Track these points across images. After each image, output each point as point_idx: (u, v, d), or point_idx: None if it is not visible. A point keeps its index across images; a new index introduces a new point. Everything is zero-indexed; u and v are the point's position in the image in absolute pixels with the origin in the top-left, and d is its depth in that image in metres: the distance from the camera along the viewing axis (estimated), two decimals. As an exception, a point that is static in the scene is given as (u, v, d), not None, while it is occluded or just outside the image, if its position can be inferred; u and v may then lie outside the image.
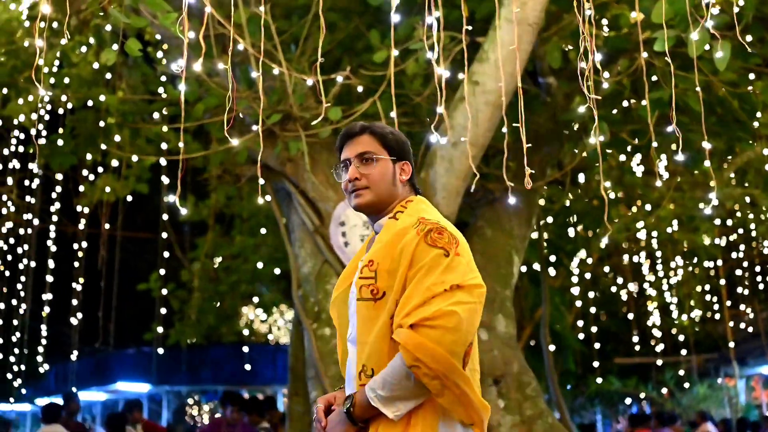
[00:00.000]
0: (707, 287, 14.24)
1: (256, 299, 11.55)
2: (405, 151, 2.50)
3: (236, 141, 4.97)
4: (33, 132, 6.72)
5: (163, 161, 7.98)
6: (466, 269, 2.24)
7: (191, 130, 8.07)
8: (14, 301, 11.00)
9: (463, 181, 5.62)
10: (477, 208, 6.56)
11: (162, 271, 11.18)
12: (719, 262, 12.27)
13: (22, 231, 9.65)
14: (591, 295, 12.38)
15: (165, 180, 9.17)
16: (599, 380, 17.42)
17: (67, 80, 7.14)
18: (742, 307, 15.34)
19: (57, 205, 9.26)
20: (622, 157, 8.50)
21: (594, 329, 13.12)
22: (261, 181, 3.65)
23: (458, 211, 5.79)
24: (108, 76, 7.16)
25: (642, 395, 18.64)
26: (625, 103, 6.63)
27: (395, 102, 4.08)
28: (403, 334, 2.13)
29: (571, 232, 9.94)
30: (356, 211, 2.49)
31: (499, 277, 5.94)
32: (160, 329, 11.93)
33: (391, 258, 2.25)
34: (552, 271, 10.90)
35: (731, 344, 14.43)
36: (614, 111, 6.63)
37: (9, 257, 9.88)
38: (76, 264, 10.48)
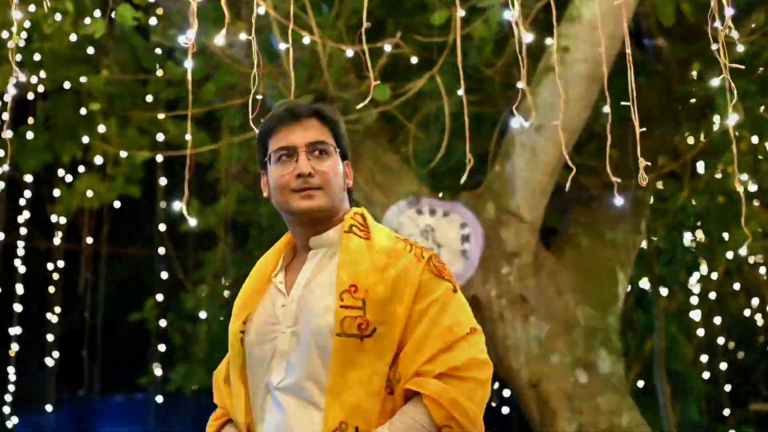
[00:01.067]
0: None
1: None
2: (348, 148, 2.50)
3: (258, 131, 5.02)
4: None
5: (159, 157, 8.09)
6: (469, 308, 2.36)
7: (197, 118, 8.17)
8: (-26, 338, 11.26)
9: (549, 177, 5.63)
10: (567, 210, 6.54)
11: (159, 297, 11.34)
12: None
13: (-18, 248, 9.88)
14: (717, 320, 12.21)
15: (162, 181, 9.30)
16: (731, 433, 17.19)
17: (38, 57, 7.27)
18: None
19: (26, 215, 9.44)
20: (755, 139, 8.39)
21: (723, 366, 12.94)
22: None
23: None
24: (90, 50, 7.26)
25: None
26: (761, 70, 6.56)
27: (461, 76, 4.07)
28: (433, 386, 2.15)
29: (688, 238, 9.84)
30: (300, 215, 2.38)
31: (601, 301, 5.92)
32: (158, 371, 12.10)
33: (384, 285, 2.23)
34: (665, 291, 10.79)
35: None
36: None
37: (-33, 282, 10.11)
38: (52, 289, 10.68)
